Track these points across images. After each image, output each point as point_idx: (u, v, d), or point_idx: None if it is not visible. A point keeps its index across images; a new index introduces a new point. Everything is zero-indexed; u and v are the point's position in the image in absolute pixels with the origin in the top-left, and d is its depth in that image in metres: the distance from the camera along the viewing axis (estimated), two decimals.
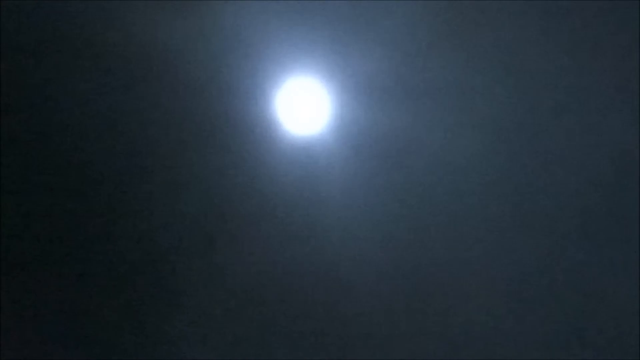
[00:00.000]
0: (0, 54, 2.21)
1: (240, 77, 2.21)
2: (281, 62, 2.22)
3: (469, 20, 2.22)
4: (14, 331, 2.16)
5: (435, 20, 2.22)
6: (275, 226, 2.18)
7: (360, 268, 2.17)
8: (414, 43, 2.22)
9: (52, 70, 2.21)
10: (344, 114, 2.21)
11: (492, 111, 2.20)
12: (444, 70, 2.21)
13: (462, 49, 2.21)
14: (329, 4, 2.22)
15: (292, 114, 2.22)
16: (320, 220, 2.19)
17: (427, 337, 2.16)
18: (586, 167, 2.19)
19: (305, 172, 2.20)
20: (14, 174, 2.19)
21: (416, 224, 2.18)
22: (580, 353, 2.15)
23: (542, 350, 2.15)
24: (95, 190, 2.19)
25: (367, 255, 2.18)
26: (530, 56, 2.22)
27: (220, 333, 2.16)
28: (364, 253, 2.18)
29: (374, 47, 2.22)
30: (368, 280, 2.17)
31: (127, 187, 2.20)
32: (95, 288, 2.17)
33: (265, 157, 2.20)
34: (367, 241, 2.18)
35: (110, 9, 2.22)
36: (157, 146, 2.20)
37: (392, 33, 2.22)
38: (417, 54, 2.21)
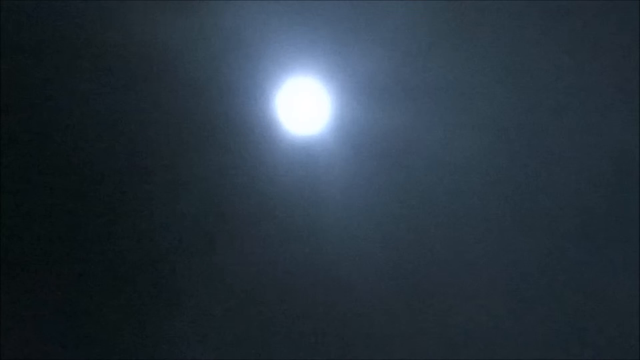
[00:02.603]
0: (0, 54, 2.21)
1: (240, 77, 2.21)
2: (281, 62, 2.22)
3: (469, 20, 2.22)
4: (14, 331, 2.16)
5: (435, 20, 2.22)
6: (275, 226, 2.18)
7: (360, 268, 2.17)
8: (414, 43, 2.22)
9: (52, 70, 2.21)
10: (344, 114, 2.21)
11: (492, 111, 2.21)
12: (444, 70, 2.21)
13: (462, 49, 2.21)
14: (328, 4, 2.22)
15: (292, 114, 2.22)
16: (320, 220, 2.19)
17: (427, 337, 2.16)
18: (586, 167, 2.20)
19: (305, 172, 2.20)
20: (14, 174, 2.19)
21: (416, 224, 2.18)
22: (580, 353, 2.15)
23: (542, 350, 2.15)
24: (95, 190, 2.19)
25: (367, 255, 2.18)
26: (530, 56, 2.22)
27: (220, 333, 2.16)
28: (364, 253, 2.18)
29: (374, 47, 2.22)
30: (368, 280, 2.17)
31: (127, 187, 2.20)
32: (95, 288, 2.17)
33: (265, 157, 2.20)
34: (367, 241, 2.18)
35: (110, 9, 2.22)
36: (157, 146, 2.20)
37: (392, 33, 2.22)
38: (417, 54, 2.22)
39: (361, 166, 2.19)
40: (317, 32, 2.22)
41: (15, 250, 2.17)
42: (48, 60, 2.21)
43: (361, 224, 2.19)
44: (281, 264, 2.18)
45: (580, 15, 2.22)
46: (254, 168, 2.20)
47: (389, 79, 2.21)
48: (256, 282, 2.17)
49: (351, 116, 2.20)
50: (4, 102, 2.20)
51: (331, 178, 2.20)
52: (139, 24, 2.21)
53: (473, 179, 2.19)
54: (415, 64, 2.21)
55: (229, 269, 2.17)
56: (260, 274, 2.17)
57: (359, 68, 2.21)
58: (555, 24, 2.22)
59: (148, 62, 2.21)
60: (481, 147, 2.19)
